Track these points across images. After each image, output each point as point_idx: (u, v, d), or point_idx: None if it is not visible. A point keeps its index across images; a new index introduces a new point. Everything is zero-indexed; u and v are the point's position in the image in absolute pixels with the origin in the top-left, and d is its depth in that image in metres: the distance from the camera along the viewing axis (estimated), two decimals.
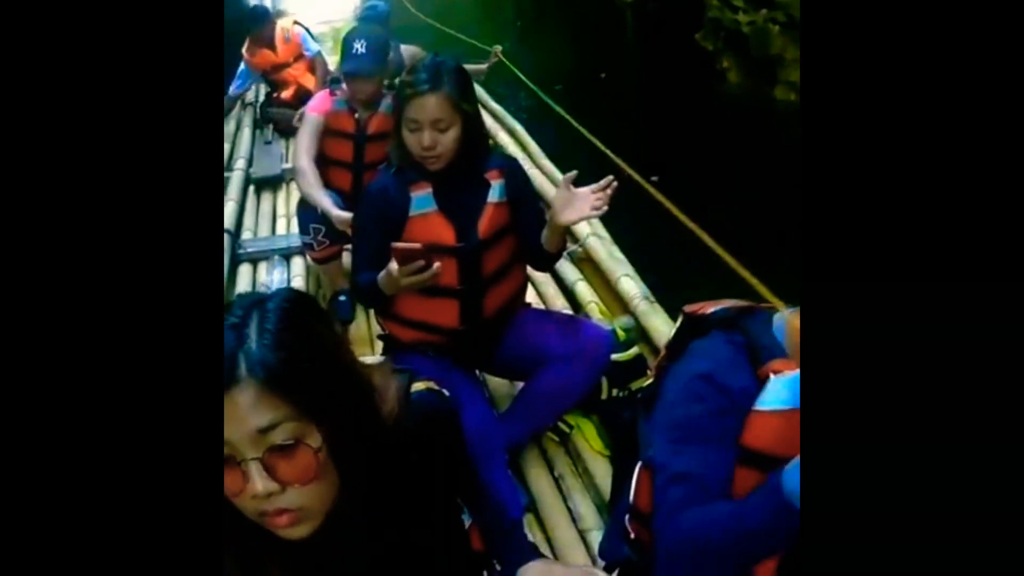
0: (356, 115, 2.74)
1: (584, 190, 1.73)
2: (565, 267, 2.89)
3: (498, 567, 1.07)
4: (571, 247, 2.91)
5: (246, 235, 3.64)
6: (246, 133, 4.98)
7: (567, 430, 2.12)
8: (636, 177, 2.91)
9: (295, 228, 3.03)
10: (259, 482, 0.74)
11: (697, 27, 7.64)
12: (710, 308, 1.22)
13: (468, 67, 2.03)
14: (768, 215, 3.16)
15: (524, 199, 1.96)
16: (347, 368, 0.84)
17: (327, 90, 2.83)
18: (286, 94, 4.83)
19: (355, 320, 2.86)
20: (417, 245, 1.67)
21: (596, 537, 1.73)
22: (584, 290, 2.77)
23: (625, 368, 2.13)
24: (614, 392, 2.12)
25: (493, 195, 1.89)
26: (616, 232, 3.07)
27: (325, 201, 2.58)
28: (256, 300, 0.79)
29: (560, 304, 2.77)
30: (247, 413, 0.73)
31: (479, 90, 4.70)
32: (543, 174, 3.72)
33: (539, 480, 2.02)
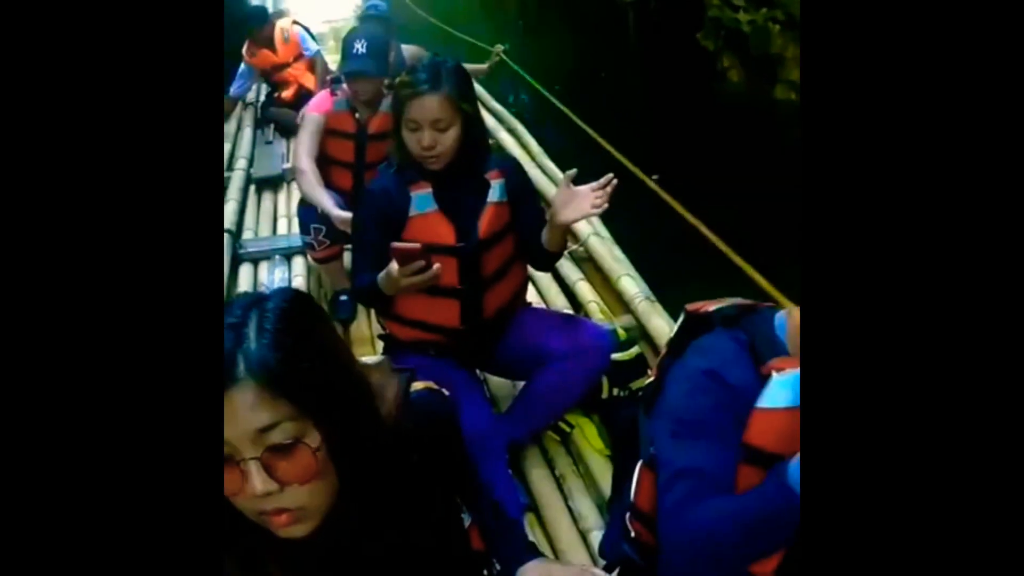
0: (357, 115, 2.74)
1: (584, 188, 1.73)
2: (566, 266, 2.89)
3: (498, 566, 1.07)
4: (572, 246, 2.91)
5: (247, 235, 3.65)
6: (247, 133, 4.99)
7: (568, 429, 2.12)
8: (640, 175, 2.93)
9: (296, 228, 3.03)
10: (258, 481, 0.74)
11: (698, 26, 7.63)
12: (712, 306, 1.22)
13: (469, 67, 2.03)
14: (768, 214, 3.16)
15: (524, 199, 1.96)
16: (346, 368, 0.84)
17: (328, 90, 2.83)
18: (286, 94, 4.84)
19: (356, 320, 2.86)
20: (417, 245, 1.67)
21: (597, 537, 1.73)
22: (585, 289, 2.77)
23: (626, 367, 2.14)
24: (615, 391, 2.12)
25: (493, 195, 1.89)
26: (617, 231, 3.07)
27: (326, 201, 2.59)
28: (255, 300, 0.79)
29: (561, 303, 2.77)
30: (246, 413, 0.73)
31: (480, 89, 4.71)
32: (544, 174, 3.72)
33: (540, 479, 2.01)
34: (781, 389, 1.05)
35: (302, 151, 2.73)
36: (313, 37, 4.88)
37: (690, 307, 1.26)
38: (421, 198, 1.85)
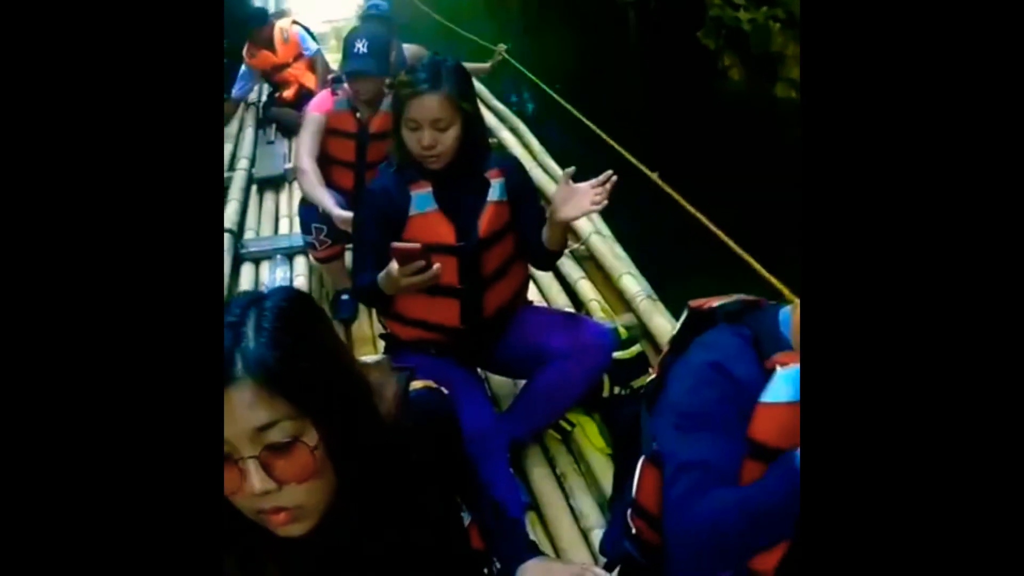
0: (358, 114, 2.74)
1: (583, 185, 1.73)
2: (567, 265, 2.89)
3: (498, 565, 1.07)
4: (573, 245, 2.91)
5: (249, 235, 3.65)
6: (248, 133, 4.99)
7: (569, 428, 2.12)
8: (644, 170, 2.92)
9: (297, 228, 3.04)
10: (256, 480, 0.75)
11: (698, 25, 7.63)
12: (716, 302, 1.22)
13: (470, 66, 2.03)
14: (769, 212, 3.16)
15: (525, 198, 1.96)
16: (344, 367, 0.84)
17: (329, 90, 2.84)
18: (287, 94, 4.84)
19: (358, 319, 2.86)
20: (417, 245, 1.67)
21: (598, 535, 1.73)
22: (586, 288, 2.77)
23: (627, 366, 2.14)
24: (616, 390, 2.12)
25: (493, 194, 1.89)
26: (619, 228, 3.07)
27: (327, 200, 2.59)
28: (253, 299, 0.79)
29: (562, 302, 2.77)
30: (244, 411, 0.73)
31: (482, 88, 4.72)
32: (546, 172, 3.72)
33: (541, 478, 2.02)
34: (785, 384, 1.05)
35: (303, 151, 2.73)
36: (313, 36, 4.88)
37: (693, 304, 1.26)
38: (421, 197, 1.85)
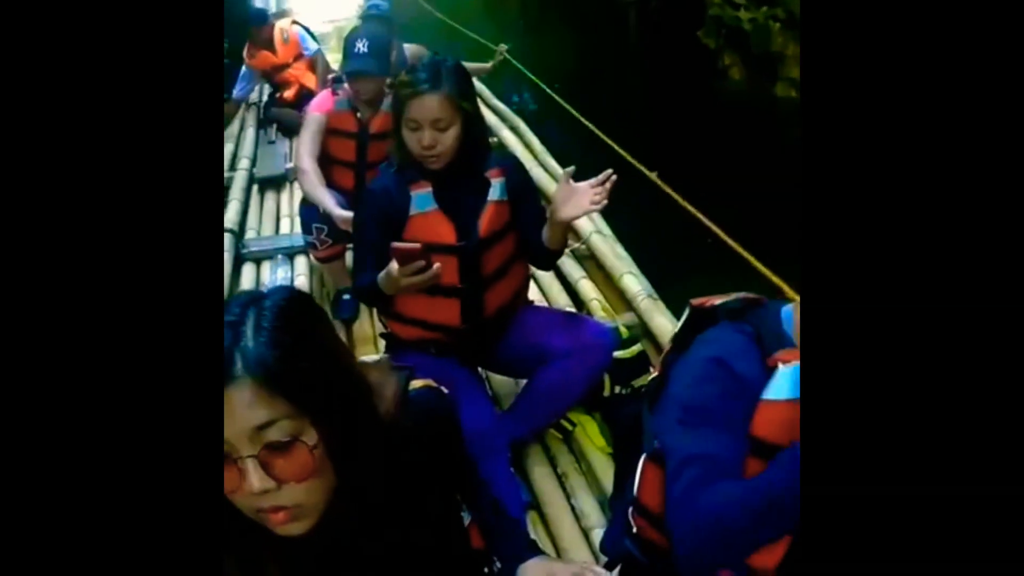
0: (358, 114, 2.74)
1: (583, 185, 1.73)
2: (568, 264, 2.90)
3: (499, 564, 1.07)
4: (574, 244, 2.91)
5: (250, 234, 3.65)
6: (249, 133, 5.00)
7: (570, 427, 2.12)
8: (645, 171, 2.93)
9: (298, 227, 3.04)
10: (255, 479, 0.75)
11: (699, 24, 7.63)
12: (718, 301, 1.22)
13: (471, 65, 2.04)
14: (770, 212, 3.16)
15: (525, 197, 1.96)
16: (344, 366, 0.84)
17: (329, 90, 2.84)
18: (288, 94, 4.84)
19: (359, 319, 2.86)
20: (416, 246, 1.67)
21: (599, 534, 1.73)
22: (587, 287, 2.77)
23: (628, 365, 2.13)
24: (617, 389, 2.12)
25: (493, 194, 1.89)
26: (620, 228, 3.08)
27: (327, 200, 2.59)
28: (253, 298, 0.79)
29: (563, 301, 2.78)
30: (243, 410, 0.73)
31: (483, 88, 4.72)
32: (547, 172, 3.72)
33: (542, 477, 2.02)
34: (787, 381, 1.05)
35: (304, 151, 2.73)
36: (313, 36, 4.88)
37: (695, 302, 1.26)
38: (421, 197, 1.85)
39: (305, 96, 4.37)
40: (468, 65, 2.26)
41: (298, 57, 4.78)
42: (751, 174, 4.65)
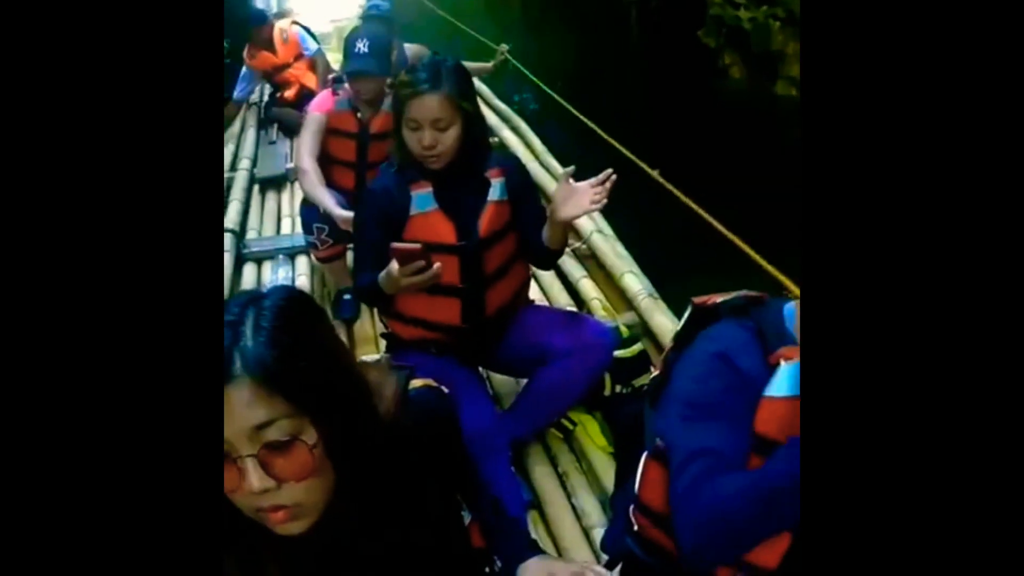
0: (359, 114, 2.74)
1: (583, 184, 1.73)
2: (569, 264, 2.90)
3: (499, 564, 1.07)
4: (575, 244, 2.91)
5: (251, 234, 3.66)
6: (250, 133, 5.01)
7: (571, 427, 2.12)
8: (644, 167, 2.92)
9: (299, 227, 3.04)
10: (255, 478, 0.75)
11: (699, 24, 7.63)
12: (720, 298, 1.22)
13: (472, 65, 2.04)
14: (770, 211, 3.16)
15: (525, 197, 1.96)
16: (343, 365, 0.84)
17: (330, 90, 2.84)
18: (289, 94, 4.84)
19: (360, 318, 2.87)
20: (417, 246, 1.68)
21: (599, 534, 1.73)
22: (588, 287, 2.78)
23: (628, 365, 2.14)
24: (617, 389, 2.12)
25: (494, 193, 1.89)
26: (621, 227, 3.08)
27: (327, 200, 2.59)
28: (252, 298, 0.79)
29: (564, 301, 2.78)
30: (242, 410, 0.73)
31: (483, 87, 4.72)
32: (548, 172, 3.72)
33: (543, 477, 2.02)
34: (789, 378, 1.05)
35: (304, 151, 2.73)
36: (313, 36, 4.88)
37: (697, 300, 1.26)
38: (422, 197, 1.85)
39: (306, 96, 4.37)
40: (469, 65, 2.27)
41: (298, 57, 4.77)
42: (751, 173, 4.65)
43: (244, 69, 4.79)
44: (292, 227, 3.73)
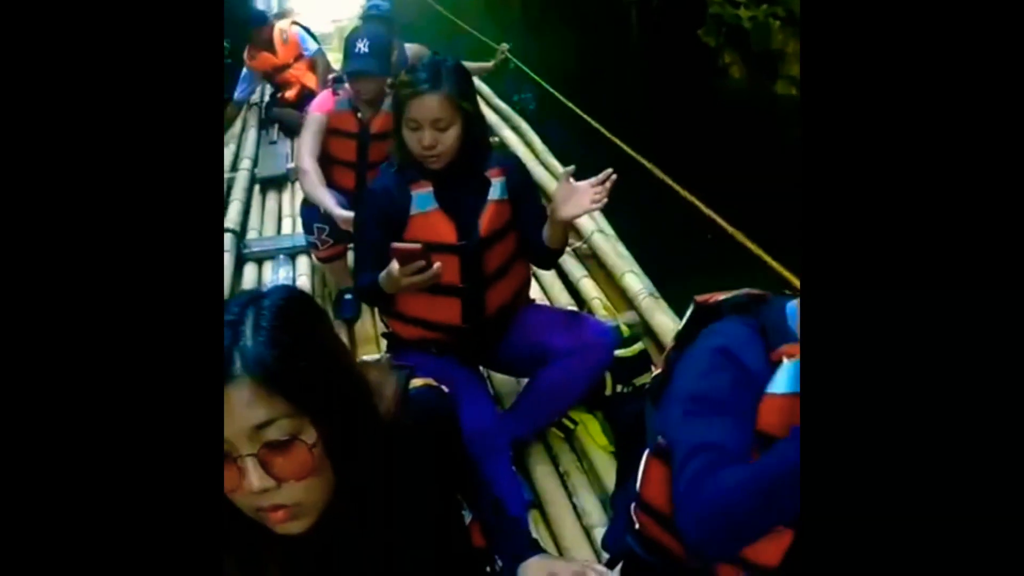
0: (359, 114, 2.75)
1: (583, 184, 1.73)
2: (570, 263, 2.90)
3: (500, 563, 1.08)
4: (576, 243, 2.91)
5: (252, 234, 3.66)
6: (251, 133, 5.01)
7: (571, 426, 2.12)
8: (645, 163, 2.92)
9: (300, 227, 3.04)
10: (255, 478, 0.75)
11: (699, 23, 7.63)
12: (722, 296, 1.22)
13: (472, 65, 2.04)
14: (769, 210, 3.16)
15: (525, 196, 1.96)
16: (343, 365, 0.84)
17: (330, 90, 2.84)
18: (289, 94, 4.84)
19: (361, 318, 2.87)
20: (417, 246, 1.68)
21: (600, 533, 1.73)
22: (588, 286, 2.78)
23: (629, 364, 2.14)
24: (618, 388, 2.12)
25: (494, 193, 1.89)
26: (621, 226, 3.07)
27: (328, 200, 2.59)
28: (252, 297, 0.79)
29: (565, 300, 2.78)
30: (242, 410, 0.74)
31: (483, 87, 4.72)
32: (548, 171, 3.72)
33: (544, 476, 2.02)
34: (791, 375, 1.05)
35: (304, 151, 2.73)
36: (313, 36, 4.88)
37: (699, 298, 1.25)
38: (422, 197, 1.85)
39: (306, 96, 4.37)
40: (469, 64, 2.27)
41: (298, 57, 4.78)
42: (751, 172, 4.65)
43: (244, 70, 4.79)
44: (293, 227, 3.73)
